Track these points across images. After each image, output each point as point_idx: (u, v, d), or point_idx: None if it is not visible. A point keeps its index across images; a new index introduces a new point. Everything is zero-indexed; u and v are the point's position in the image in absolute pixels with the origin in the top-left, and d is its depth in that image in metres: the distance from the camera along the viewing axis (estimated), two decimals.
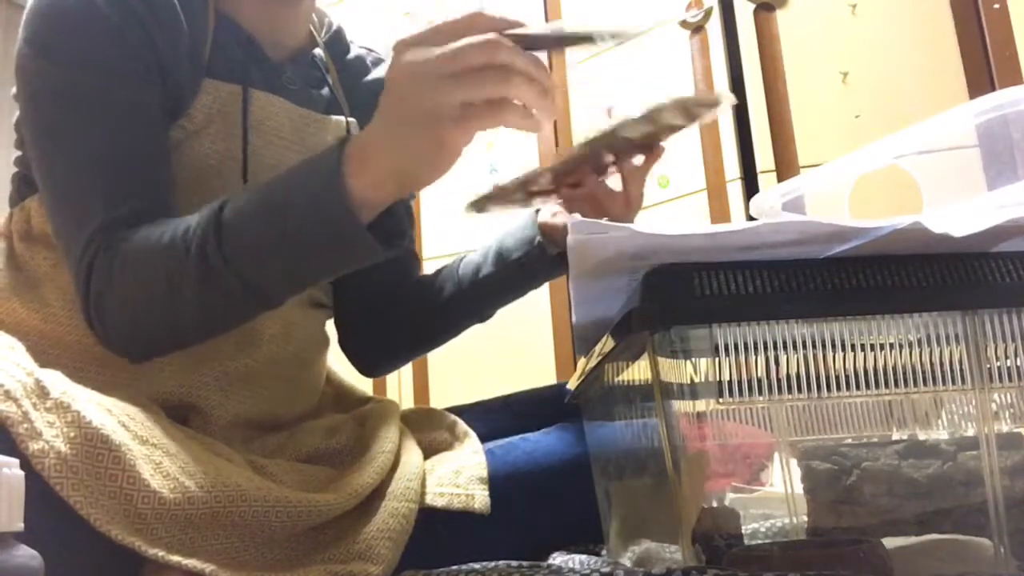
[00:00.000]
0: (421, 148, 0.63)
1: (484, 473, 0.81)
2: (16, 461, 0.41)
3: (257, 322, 0.82)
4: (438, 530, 0.77)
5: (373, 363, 1.04)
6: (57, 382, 0.64)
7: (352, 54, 0.99)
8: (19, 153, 0.86)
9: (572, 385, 0.85)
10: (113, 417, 0.65)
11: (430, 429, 0.90)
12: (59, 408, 0.62)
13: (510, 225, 0.97)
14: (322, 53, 0.94)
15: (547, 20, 2.42)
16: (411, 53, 0.62)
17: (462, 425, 0.89)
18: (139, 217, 0.74)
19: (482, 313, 1.01)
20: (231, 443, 0.76)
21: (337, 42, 0.98)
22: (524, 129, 0.64)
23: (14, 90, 0.81)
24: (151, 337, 0.75)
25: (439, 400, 2.32)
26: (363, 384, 1.03)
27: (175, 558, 0.61)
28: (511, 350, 2.22)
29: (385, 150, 0.64)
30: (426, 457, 0.84)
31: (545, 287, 2.38)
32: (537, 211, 0.95)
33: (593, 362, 0.70)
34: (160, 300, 0.72)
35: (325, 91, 0.93)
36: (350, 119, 0.92)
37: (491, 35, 0.60)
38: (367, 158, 0.64)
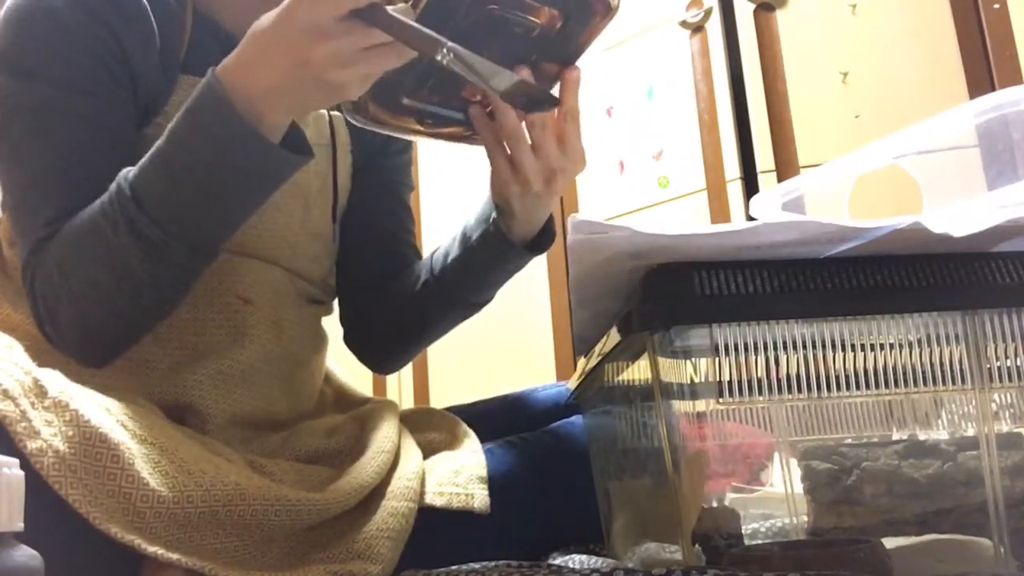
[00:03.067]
0: (307, 93, 0.67)
1: (484, 473, 0.81)
2: (16, 461, 0.41)
3: (247, 319, 0.82)
4: (438, 530, 0.77)
5: (377, 358, 1.02)
6: (55, 381, 0.64)
7: None
8: None
9: (572, 385, 0.85)
10: (112, 416, 0.65)
11: (430, 429, 0.90)
12: (57, 407, 0.62)
13: (473, 213, 0.91)
14: None
15: None
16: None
17: (462, 425, 0.89)
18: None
19: (461, 300, 0.93)
20: (229, 443, 0.76)
21: None
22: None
23: None
24: (107, 333, 0.75)
25: (439, 400, 2.32)
26: (363, 384, 1.03)
27: (174, 556, 0.61)
28: (511, 350, 2.22)
29: (266, 79, 0.66)
30: (426, 457, 0.84)
31: (545, 287, 2.38)
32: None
33: (593, 362, 0.70)
34: (108, 290, 0.72)
35: None
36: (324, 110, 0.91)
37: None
38: (249, 82, 0.67)
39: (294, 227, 0.87)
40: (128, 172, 0.70)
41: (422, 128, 0.81)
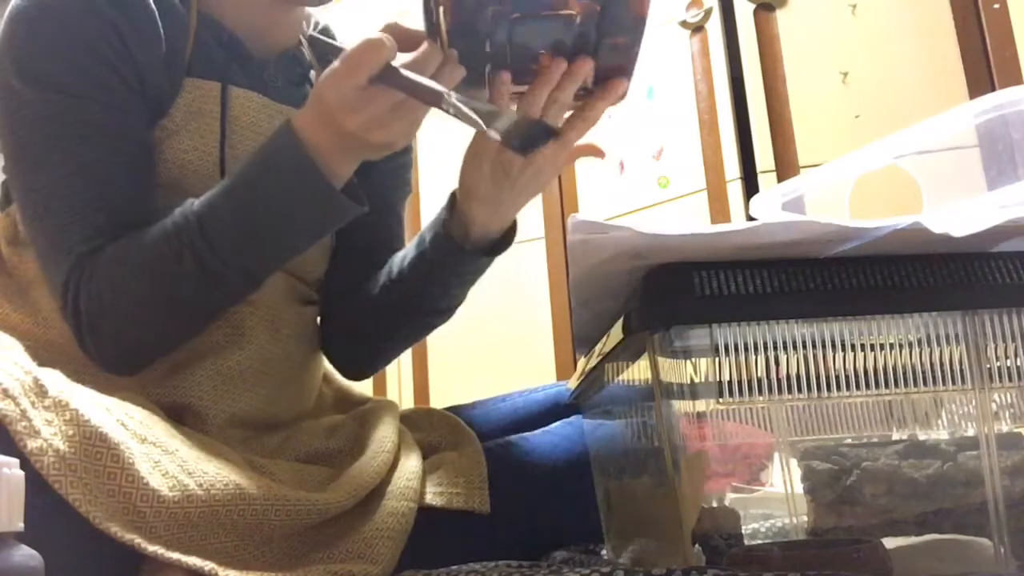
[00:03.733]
0: (361, 144, 0.71)
1: (484, 473, 0.81)
2: (16, 461, 0.41)
3: (246, 320, 0.82)
4: (437, 529, 0.77)
5: (346, 363, 0.99)
6: (55, 381, 0.64)
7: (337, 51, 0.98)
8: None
9: (572, 385, 0.85)
10: (112, 416, 0.65)
11: (430, 429, 0.90)
12: (57, 406, 0.62)
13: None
14: (307, 51, 0.94)
15: None
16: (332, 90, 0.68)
17: (462, 425, 0.89)
18: (120, 236, 0.75)
19: (419, 306, 0.91)
20: (229, 443, 0.76)
21: (322, 39, 0.97)
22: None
23: None
24: (148, 348, 0.77)
25: (439, 400, 2.32)
26: (362, 385, 1.03)
27: (174, 555, 0.61)
28: (511, 350, 2.22)
29: (335, 136, 0.70)
30: (426, 457, 0.84)
31: (545, 287, 2.38)
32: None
33: (593, 362, 0.70)
34: (160, 313, 0.75)
35: (308, 88, 0.93)
36: None
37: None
38: (317, 139, 0.71)
39: None
40: (193, 203, 0.74)
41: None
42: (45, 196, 0.76)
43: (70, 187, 0.75)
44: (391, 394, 2.40)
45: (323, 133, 0.70)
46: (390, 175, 0.98)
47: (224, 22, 0.86)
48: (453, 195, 0.84)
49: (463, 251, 0.83)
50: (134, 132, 0.78)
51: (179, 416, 0.77)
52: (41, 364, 0.70)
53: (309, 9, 0.93)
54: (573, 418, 0.89)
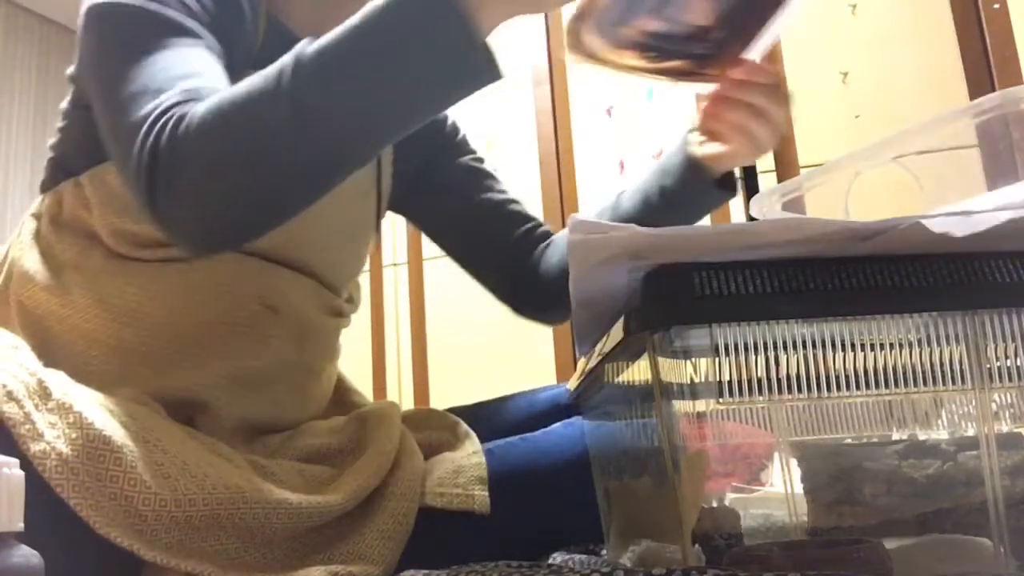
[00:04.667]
0: None
1: (484, 473, 0.81)
2: (16, 461, 0.41)
3: (271, 328, 0.82)
4: (438, 530, 0.77)
5: (549, 313, 1.05)
6: (59, 383, 0.64)
7: None
8: (56, 139, 0.86)
9: (572, 385, 0.85)
10: (115, 418, 0.65)
11: (430, 429, 0.91)
12: (61, 409, 0.62)
13: (661, 166, 0.94)
14: None
15: (546, 18, 2.42)
16: None
17: (463, 425, 0.89)
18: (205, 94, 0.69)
19: None
20: (232, 442, 0.76)
21: None
22: None
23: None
24: (228, 209, 0.68)
25: (439, 401, 2.31)
26: (363, 386, 1.03)
27: (174, 561, 0.61)
28: (511, 350, 2.22)
29: None
30: (426, 457, 0.84)
31: None
32: (685, 145, 0.92)
33: (593, 362, 0.70)
34: (248, 157, 0.66)
35: None
36: None
37: None
38: None
39: (333, 238, 0.88)
40: (305, 41, 0.66)
41: (644, 64, 0.77)
42: (131, 75, 0.71)
43: (161, 66, 0.71)
44: (391, 394, 2.40)
45: None
46: (459, 150, 1.04)
47: (289, 25, 0.86)
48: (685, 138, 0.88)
49: (710, 187, 0.89)
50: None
51: (190, 413, 0.77)
52: (60, 347, 0.71)
53: None
54: (574, 419, 0.89)
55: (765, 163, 1.87)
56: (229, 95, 0.66)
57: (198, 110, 0.65)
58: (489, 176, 1.05)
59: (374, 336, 1.95)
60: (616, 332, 0.59)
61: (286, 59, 0.64)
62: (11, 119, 3.81)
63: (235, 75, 0.76)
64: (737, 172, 0.96)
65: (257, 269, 0.82)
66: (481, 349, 2.20)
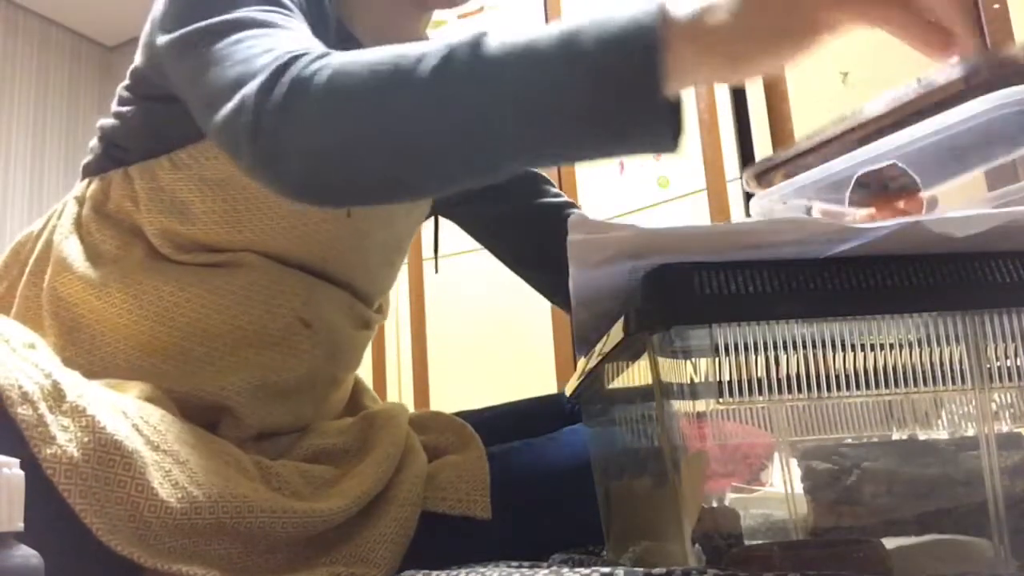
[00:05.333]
0: (782, 22, 0.53)
1: (487, 478, 0.81)
2: (16, 461, 0.41)
3: (303, 342, 0.83)
4: (439, 534, 0.77)
5: None
6: (74, 384, 0.64)
7: None
8: (109, 121, 0.86)
9: (571, 386, 0.85)
10: (128, 420, 0.65)
11: (436, 431, 0.91)
12: (74, 412, 0.62)
13: None
14: None
15: (547, 20, 2.42)
16: None
17: (468, 429, 0.89)
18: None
19: None
20: (243, 444, 0.77)
21: None
22: (925, 50, 0.55)
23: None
24: (335, 162, 0.62)
25: (439, 401, 2.32)
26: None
27: (176, 566, 0.61)
28: (511, 351, 2.22)
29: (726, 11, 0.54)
30: (430, 460, 0.84)
31: None
32: None
33: (593, 362, 0.70)
34: (384, 127, 0.60)
35: None
36: None
37: None
38: (695, 18, 0.54)
39: (374, 254, 0.88)
40: (481, 32, 0.59)
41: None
42: (235, 39, 0.67)
43: (278, 28, 0.68)
44: (391, 394, 2.40)
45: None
46: (522, 178, 1.04)
47: (355, 30, 0.86)
48: None
49: None
50: None
51: (213, 418, 0.77)
52: (91, 340, 0.72)
53: (441, 13, 0.94)
54: (578, 425, 0.89)
55: None
56: (380, 51, 0.60)
57: (336, 56, 0.61)
58: (545, 180, 1.05)
59: (374, 336, 1.95)
60: (616, 332, 0.59)
61: (463, 42, 0.58)
62: (11, 119, 3.81)
63: None
64: (738, 173, 0.97)
65: (295, 281, 0.82)
66: (481, 349, 2.20)
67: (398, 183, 0.63)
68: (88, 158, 0.88)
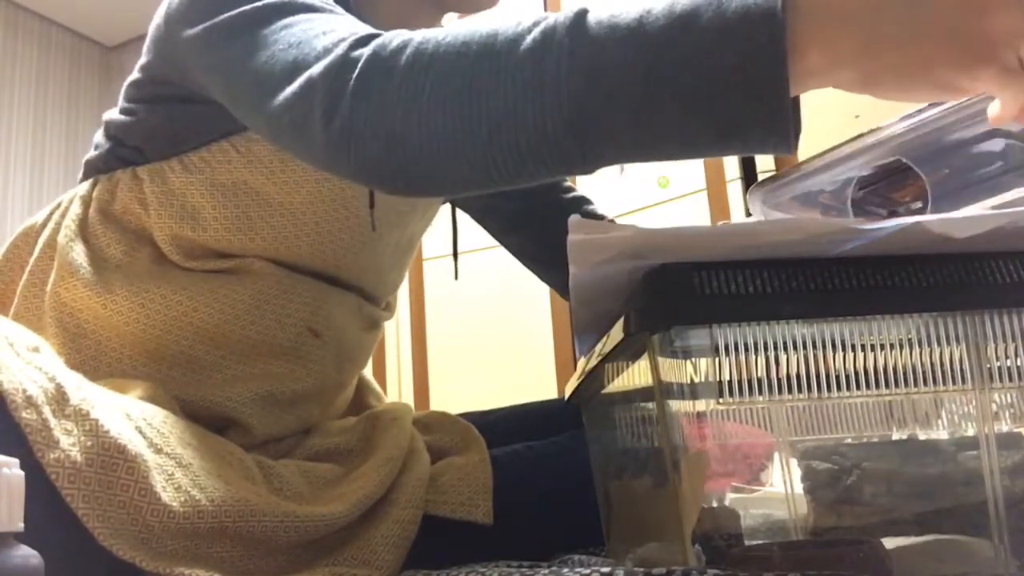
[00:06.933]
0: (930, 61, 0.48)
1: (489, 482, 0.81)
2: (16, 461, 0.41)
3: (312, 352, 0.82)
4: (440, 537, 0.77)
5: None
6: (78, 386, 0.64)
7: None
8: (116, 118, 0.84)
9: (571, 386, 0.85)
10: (131, 423, 0.64)
11: (441, 432, 0.90)
12: (78, 415, 0.61)
13: None
14: None
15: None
16: None
17: (473, 431, 0.89)
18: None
19: None
20: (248, 445, 0.77)
21: None
22: (1002, 121, 0.51)
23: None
24: (422, 141, 0.57)
25: (439, 401, 2.32)
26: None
27: (178, 569, 0.61)
28: (511, 352, 2.22)
29: (873, 26, 0.49)
30: (434, 461, 0.84)
31: (545, 288, 2.38)
32: None
33: (593, 362, 0.70)
34: (461, 89, 0.55)
35: None
36: None
37: None
38: (837, 21, 0.49)
39: (387, 257, 0.88)
40: (583, 9, 0.55)
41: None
42: (284, 35, 0.64)
43: (313, 20, 0.65)
44: (391, 394, 2.40)
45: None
46: None
47: (374, 26, 0.84)
48: None
49: None
50: None
51: (219, 427, 0.77)
52: (96, 346, 0.72)
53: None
54: (580, 429, 0.89)
55: (765, 163, 1.87)
56: (468, 30, 0.57)
57: (418, 35, 0.57)
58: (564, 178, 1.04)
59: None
60: (616, 332, 0.59)
61: (559, 19, 0.54)
62: (11, 119, 3.81)
63: None
64: (738, 173, 0.96)
65: (304, 290, 0.82)
66: (481, 349, 2.20)
67: (486, 173, 0.58)
68: (93, 154, 0.86)
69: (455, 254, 1.03)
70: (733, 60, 0.49)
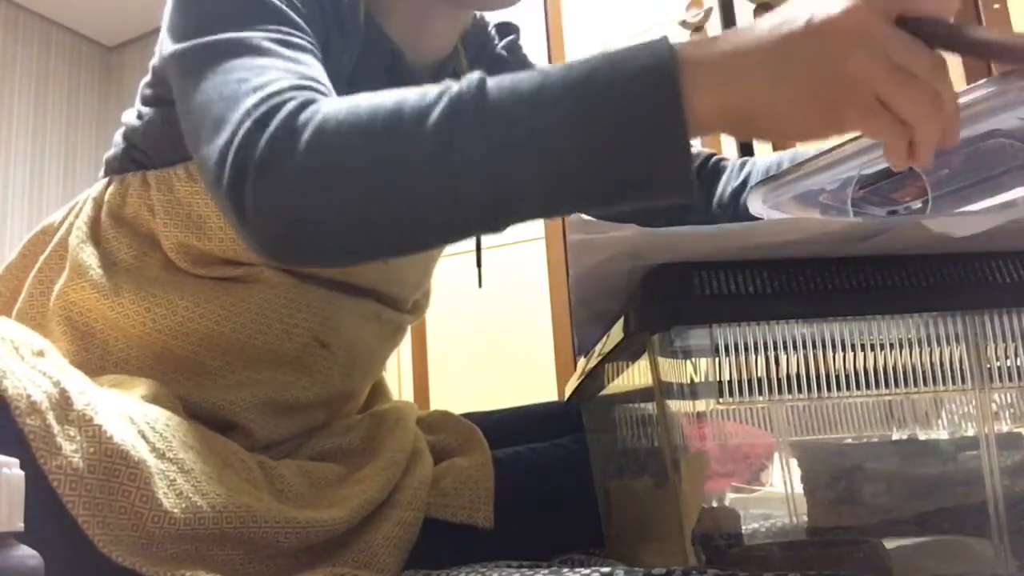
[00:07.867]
0: (798, 106, 0.52)
1: (491, 487, 0.80)
2: (16, 461, 0.41)
3: (319, 363, 0.82)
4: (441, 539, 0.77)
5: None
6: (82, 391, 0.63)
7: (497, 60, 0.96)
8: (131, 119, 0.84)
9: (571, 386, 0.85)
10: (134, 427, 0.64)
11: (445, 432, 0.90)
12: (81, 420, 0.61)
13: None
14: (463, 58, 0.92)
15: (546, 19, 2.42)
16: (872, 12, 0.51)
17: (477, 432, 0.88)
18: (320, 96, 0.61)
19: None
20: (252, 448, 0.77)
21: (483, 48, 0.95)
22: (895, 163, 0.54)
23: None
24: (321, 218, 0.57)
25: (439, 402, 2.32)
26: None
27: (179, 573, 0.61)
28: (511, 352, 2.22)
29: (748, 80, 0.53)
30: (437, 461, 0.84)
31: (544, 288, 2.38)
32: None
33: (593, 362, 0.70)
34: (361, 172, 0.56)
35: None
36: None
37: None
38: (716, 75, 0.53)
39: (403, 259, 0.86)
40: (480, 75, 0.56)
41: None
42: (232, 61, 0.65)
43: (263, 50, 0.65)
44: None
45: (747, 47, 0.52)
46: None
47: (388, 29, 0.84)
48: None
49: None
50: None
51: (224, 430, 0.77)
52: (103, 349, 0.72)
53: (487, 15, 0.91)
54: (582, 432, 0.89)
55: None
56: (364, 105, 0.57)
57: (325, 106, 0.58)
58: None
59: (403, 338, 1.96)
60: (616, 332, 0.59)
61: (455, 94, 0.55)
62: (11, 119, 3.81)
63: (331, 74, 0.70)
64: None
65: (313, 299, 0.81)
66: (481, 349, 2.20)
67: (399, 248, 0.62)
68: (111, 152, 0.86)
69: (479, 262, 0.97)
70: (634, 124, 0.53)
